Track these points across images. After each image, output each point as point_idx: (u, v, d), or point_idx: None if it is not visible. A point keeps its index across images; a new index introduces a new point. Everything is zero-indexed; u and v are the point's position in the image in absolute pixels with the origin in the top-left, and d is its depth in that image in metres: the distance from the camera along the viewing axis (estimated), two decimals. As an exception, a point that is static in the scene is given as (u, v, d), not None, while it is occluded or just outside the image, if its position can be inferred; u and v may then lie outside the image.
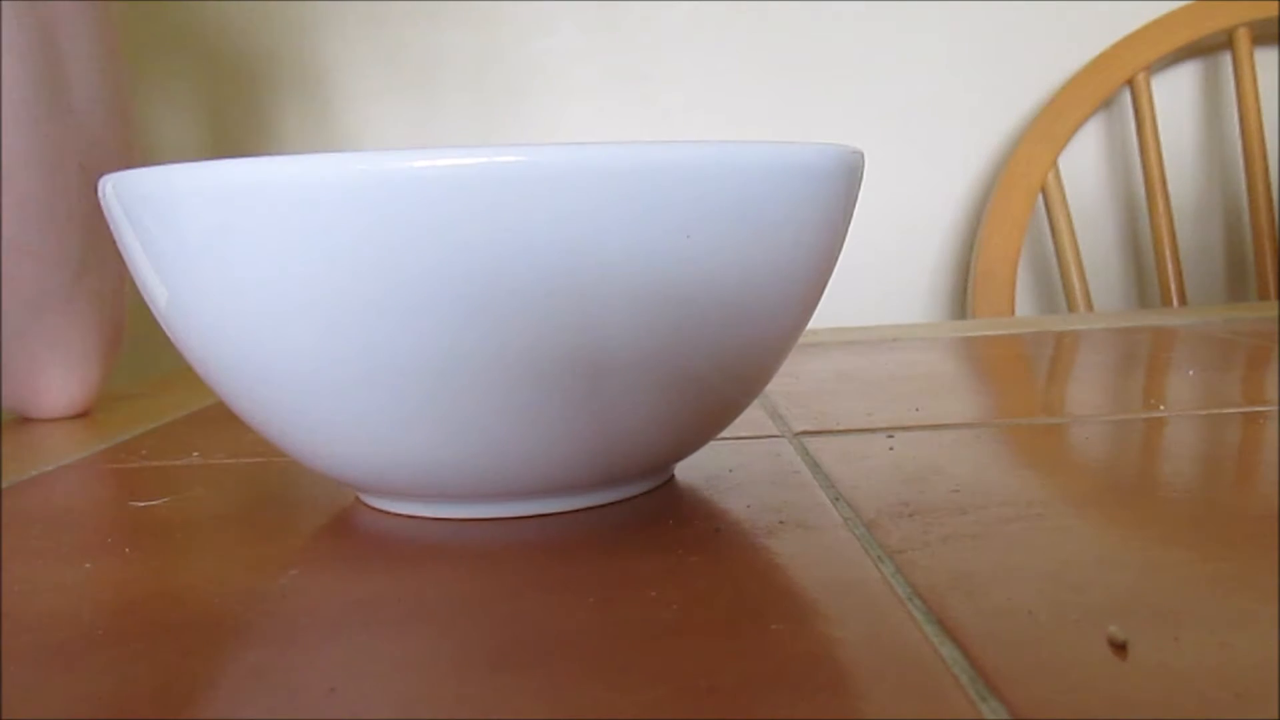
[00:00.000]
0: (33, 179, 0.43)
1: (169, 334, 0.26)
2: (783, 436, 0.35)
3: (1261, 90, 0.96)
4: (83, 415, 0.48)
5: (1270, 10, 0.94)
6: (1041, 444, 0.33)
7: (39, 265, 0.44)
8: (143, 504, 0.31)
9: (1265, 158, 0.94)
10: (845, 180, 0.26)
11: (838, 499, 0.28)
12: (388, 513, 0.28)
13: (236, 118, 0.98)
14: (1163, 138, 0.97)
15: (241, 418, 0.27)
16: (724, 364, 0.25)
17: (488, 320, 0.22)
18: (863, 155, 0.27)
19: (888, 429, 0.36)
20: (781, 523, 0.26)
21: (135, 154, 0.49)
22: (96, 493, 0.34)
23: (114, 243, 0.46)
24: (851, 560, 0.23)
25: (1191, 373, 0.45)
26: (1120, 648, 0.18)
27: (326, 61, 0.98)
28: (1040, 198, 0.95)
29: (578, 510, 0.27)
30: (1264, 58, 0.97)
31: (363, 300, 0.22)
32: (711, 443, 0.35)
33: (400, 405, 0.24)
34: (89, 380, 0.48)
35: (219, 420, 0.44)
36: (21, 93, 0.43)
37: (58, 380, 0.47)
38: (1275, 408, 0.37)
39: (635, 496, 0.29)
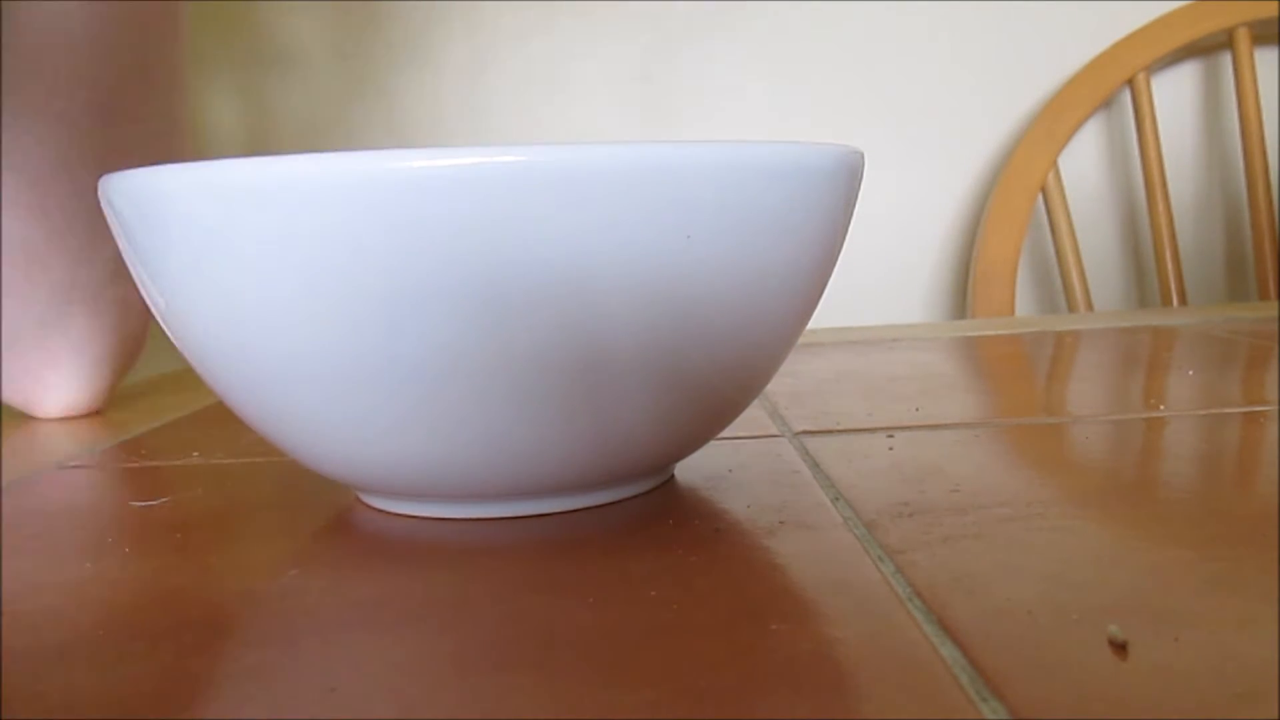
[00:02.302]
0: (85, 177, 0.44)
1: (169, 335, 0.26)
2: (783, 436, 0.35)
3: (1261, 90, 0.96)
4: (89, 416, 0.48)
5: (1270, 10, 0.94)
6: (1041, 444, 0.33)
7: (74, 263, 0.44)
8: (143, 504, 0.31)
9: (1265, 157, 0.94)
10: (845, 180, 0.26)
11: (838, 499, 0.28)
12: (388, 513, 0.28)
13: (233, 112, 0.98)
14: (1163, 138, 0.97)
15: (241, 418, 0.27)
16: (724, 364, 0.25)
17: (487, 320, 0.22)
18: (863, 155, 0.27)
19: (888, 429, 0.36)
20: (781, 523, 0.26)
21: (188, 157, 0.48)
22: (96, 493, 0.34)
23: None
24: (851, 560, 0.23)
25: (1191, 373, 0.45)
26: (1120, 648, 0.18)
27: (318, 61, 0.98)
28: (1040, 198, 0.95)
29: (578, 510, 0.27)
30: (1264, 58, 0.97)
31: (362, 300, 0.22)
32: (711, 443, 0.35)
33: (400, 405, 0.24)
34: (101, 383, 0.48)
35: (219, 420, 0.44)
36: (88, 92, 0.43)
37: (71, 380, 0.47)
38: (1275, 408, 0.37)
39: (635, 496, 0.29)
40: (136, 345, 0.49)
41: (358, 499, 0.30)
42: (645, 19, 0.98)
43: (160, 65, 0.45)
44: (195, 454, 0.38)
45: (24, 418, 0.48)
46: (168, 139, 0.47)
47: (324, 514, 0.29)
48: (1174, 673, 0.17)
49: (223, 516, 0.29)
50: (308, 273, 0.22)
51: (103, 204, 0.25)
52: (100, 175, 0.45)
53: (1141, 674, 0.17)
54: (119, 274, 0.46)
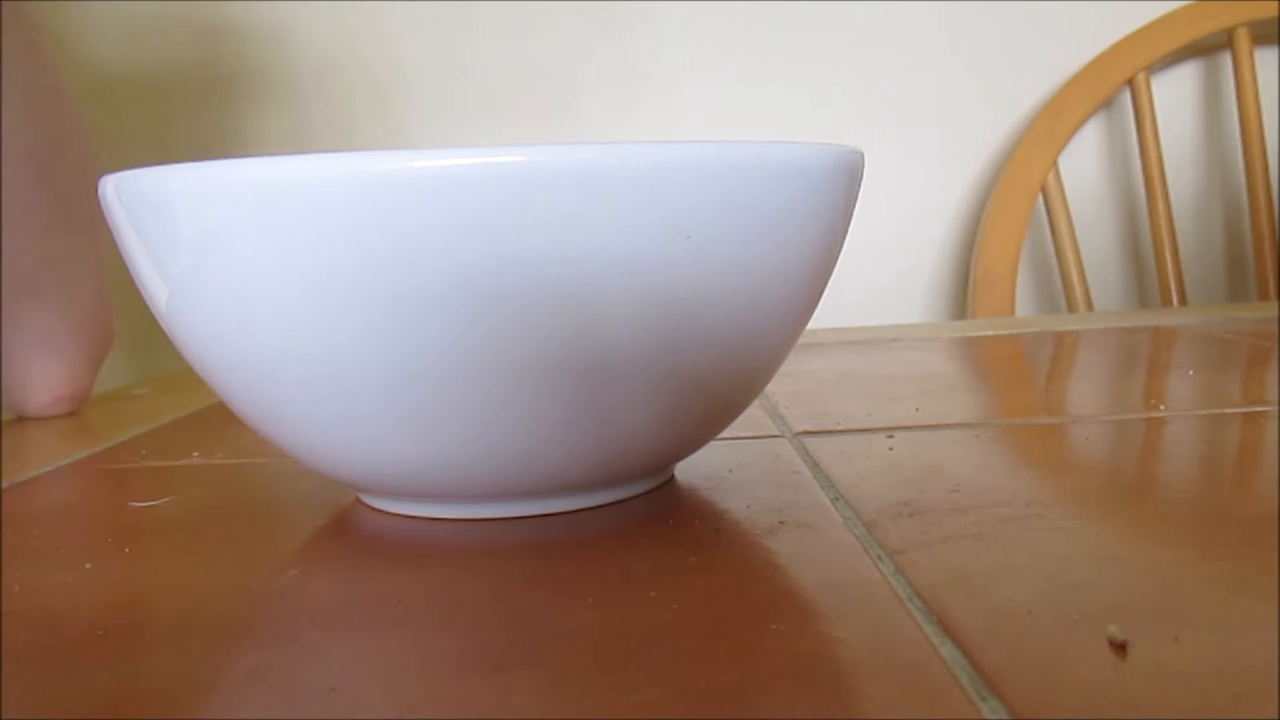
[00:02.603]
0: (46, 145, 0.44)
1: (169, 334, 0.26)
2: (783, 436, 0.35)
3: (1261, 90, 0.96)
4: (71, 414, 0.48)
5: (1270, 10, 0.94)
6: (1041, 444, 0.33)
7: (46, 227, 0.45)
8: (143, 504, 0.31)
9: (1265, 157, 0.94)
10: (845, 180, 0.26)
11: (838, 499, 0.28)
12: (388, 513, 0.28)
13: (216, 124, 0.98)
14: (1163, 138, 0.97)
15: (241, 417, 0.27)
16: (724, 364, 0.25)
17: (487, 320, 0.22)
18: (863, 155, 0.27)
19: (888, 429, 0.36)
20: (781, 523, 0.26)
21: (87, 146, 0.48)
22: (96, 493, 0.34)
23: (89, 237, 0.46)
24: (851, 560, 0.23)
25: (1191, 373, 0.45)
26: (1120, 648, 0.18)
27: (317, 65, 0.98)
28: (1040, 198, 0.95)
29: (578, 510, 0.27)
30: (1264, 58, 0.97)
31: (362, 300, 0.22)
32: (711, 443, 0.35)
33: (400, 405, 0.24)
34: (73, 378, 0.47)
35: (219, 420, 0.44)
36: (19, 84, 0.43)
37: (40, 378, 0.46)
38: (1275, 408, 0.37)
39: (635, 496, 0.29)
40: (104, 331, 0.49)
41: (358, 499, 0.30)
42: (645, 19, 0.98)
43: (17, 59, 0.46)
44: (195, 454, 0.38)
45: (20, 419, 0.48)
46: (62, 132, 0.47)
47: (324, 514, 0.29)
48: (1174, 673, 0.17)
49: (223, 516, 0.29)
50: (308, 273, 0.22)
51: (103, 203, 0.25)
52: (52, 150, 0.44)
53: (1141, 674, 0.17)
54: (51, 260, 0.46)
